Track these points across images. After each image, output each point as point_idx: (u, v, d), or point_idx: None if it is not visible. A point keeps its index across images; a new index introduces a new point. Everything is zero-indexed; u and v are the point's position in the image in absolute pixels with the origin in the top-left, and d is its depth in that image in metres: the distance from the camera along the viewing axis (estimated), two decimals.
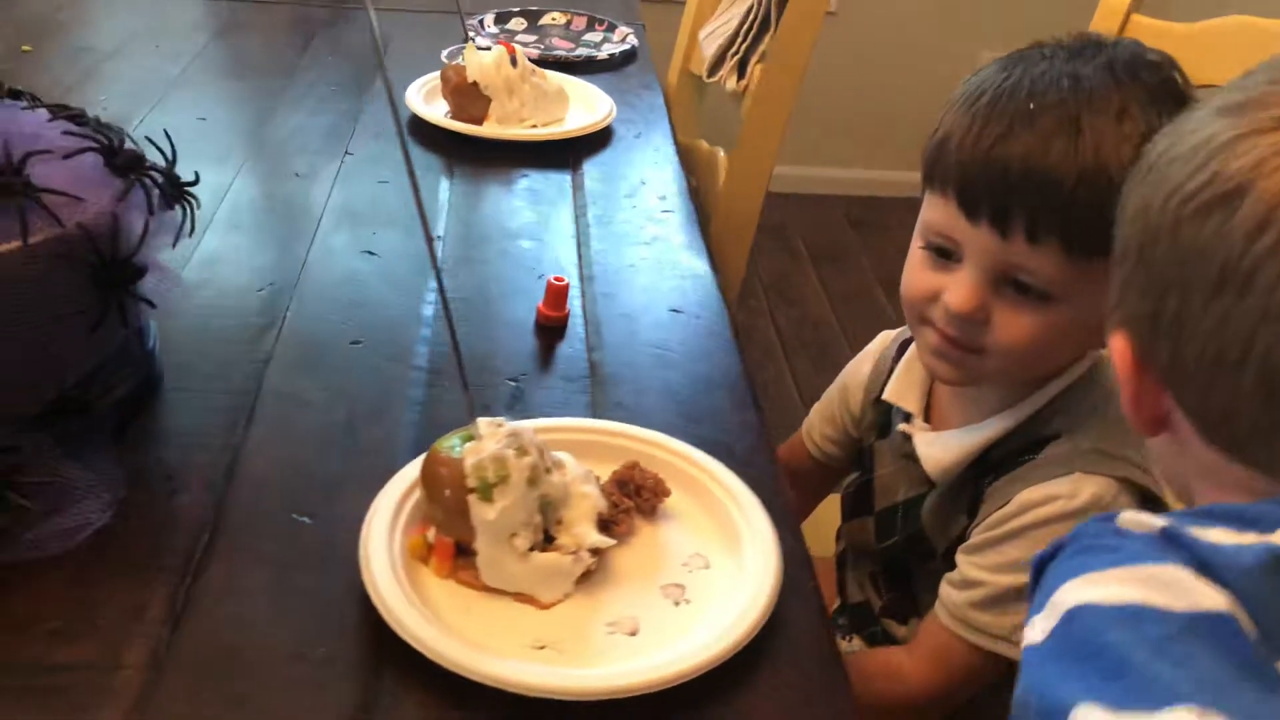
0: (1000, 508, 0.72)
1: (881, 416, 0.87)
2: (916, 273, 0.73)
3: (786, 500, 0.73)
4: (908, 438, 0.80)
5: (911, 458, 0.80)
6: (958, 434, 0.76)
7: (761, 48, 1.28)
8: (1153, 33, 1.01)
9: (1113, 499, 0.69)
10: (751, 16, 1.26)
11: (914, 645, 0.78)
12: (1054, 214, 0.64)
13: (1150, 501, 0.70)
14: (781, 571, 0.64)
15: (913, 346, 0.82)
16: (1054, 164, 0.64)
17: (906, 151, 3.20)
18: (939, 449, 0.77)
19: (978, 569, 0.73)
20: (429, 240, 0.63)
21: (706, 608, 0.64)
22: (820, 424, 0.96)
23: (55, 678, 0.56)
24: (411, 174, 0.63)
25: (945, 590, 0.75)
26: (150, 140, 0.74)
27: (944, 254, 0.71)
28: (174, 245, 0.73)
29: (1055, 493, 0.69)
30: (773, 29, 1.23)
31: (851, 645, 0.90)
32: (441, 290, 0.63)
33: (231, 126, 1.23)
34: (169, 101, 1.26)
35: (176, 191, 0.73)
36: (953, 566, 0.76)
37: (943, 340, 0.72)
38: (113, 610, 0.60)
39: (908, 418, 0.82)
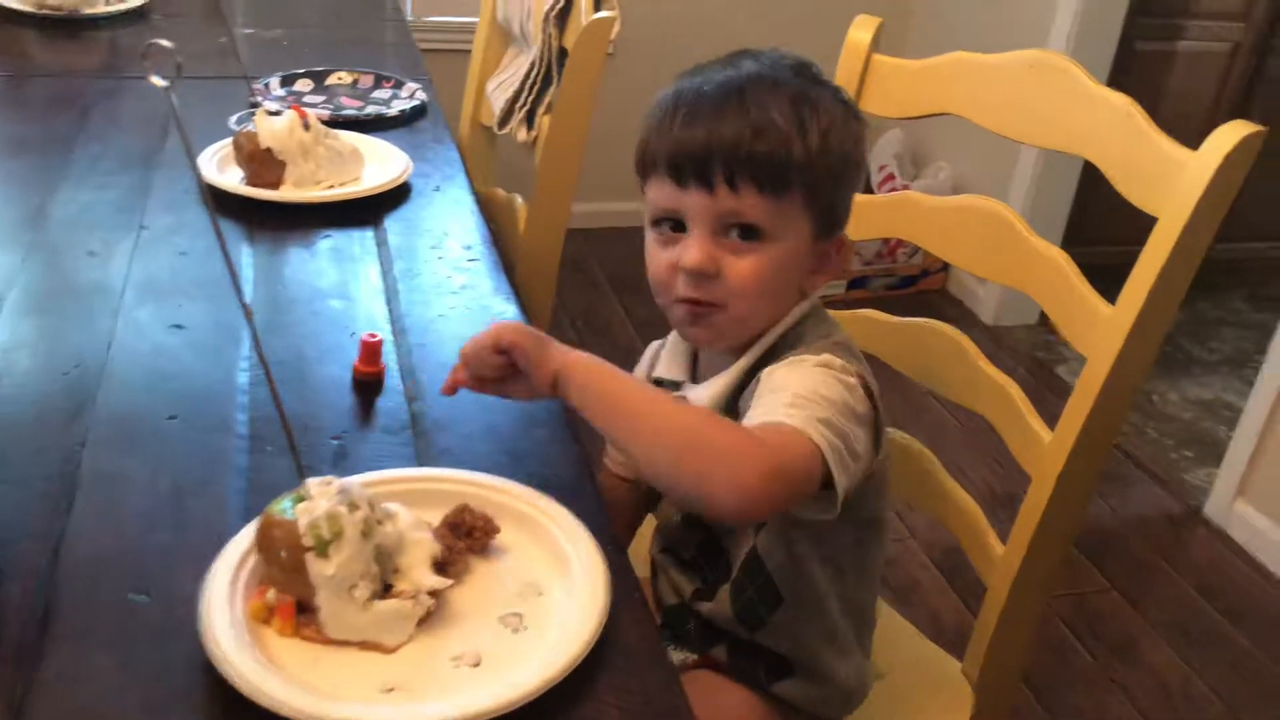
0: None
1: None
2: (655, 256, 0.84)
3: (611, 522, 0.79)
4: (683, 398, 0.89)
5: None
6: (719, 375, 0.87)
7: (548, 99, 1.34)
8: (891, 69, 1.14)
9: (840, 366, 0.78)
10: (535, 71, 1.32)
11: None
12: (741, 163, 0.79)
13: (873, 400, 0.80)
14: (609, 588, 0.70)
15: (673, 333, 0.94)
16: (730, 125, 0.79)
17: None
18: (705, 389, 0.87)
19: (758, 410, 0.76)
20: (244, 306, 0.65)
21: (544, 632, 0.69)
22: None
23: None
24: (224, 247, 0.65)
25: (751, 419, 0.76)
26: None
27: (674, 228, 0.83)
28: None
29: (789, 359, 0.80)
30: (556, 82, 1.30)
31: (683, 654, 0.96)
32: (261, 356, 0.66)
33: (13, 206, 1.19)
34: None
35: None
36: None
37: (690, 307, 0.83)
38: None
39: (678, 388, 0.92)
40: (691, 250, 0.81)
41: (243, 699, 0.61)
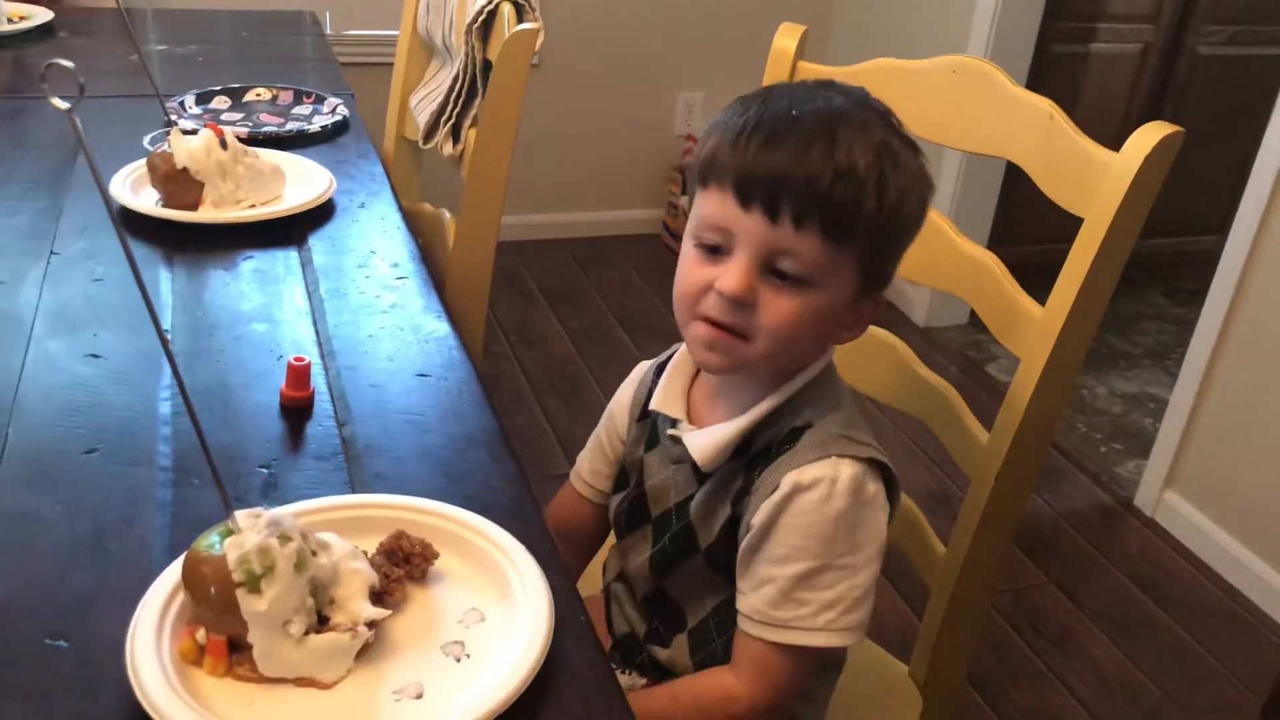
0: (772, 492, 0.79)
1: (649, 430, 0.93)
2: (690, 269, 0.80)
3: (553, 544, 0.78)
4: (677, 440, 0.87)
5: (680, 460, 0.87)
6: (721, 425, 0.83)
7: (473, 112, 1.32)
8: (815, 75, 1.14)
9: (864, 478, 0.80)
10: (459, 84, 1.30)
11: (735, 664, 0.83)
12: (814, 203, 0.74)
13: (887, 474, 0.82)
14: (553, 612, 0.68)
15: (672, 363, 0.90)
16: (814, 162, 0.74)
17: (618, 191, 3.35)
18: (706, 439, 0.83)
19: (765, 564, 0.80)
20: (161, 335, 0.63)
21: (487, 659, 0.67)
22: (591, 461, 1.00)
23: None
24: (135, 270, 0.62)
25: (743, 601, 0.82)
26: None
27: (715, 250, 0.78)
28: None
29: (820, 476, 0.78)
30: (480, 94, 1.28)
31: (631, 679, 0.95)
32: (180, 385, 0.63)
33: None
34: None
35: None
36: (712, 563, 0.84)
37: (713, 330, 0.79)
38: None
39: (673, 425, 0.88)
40: (732, 275, 0.76)
41: None
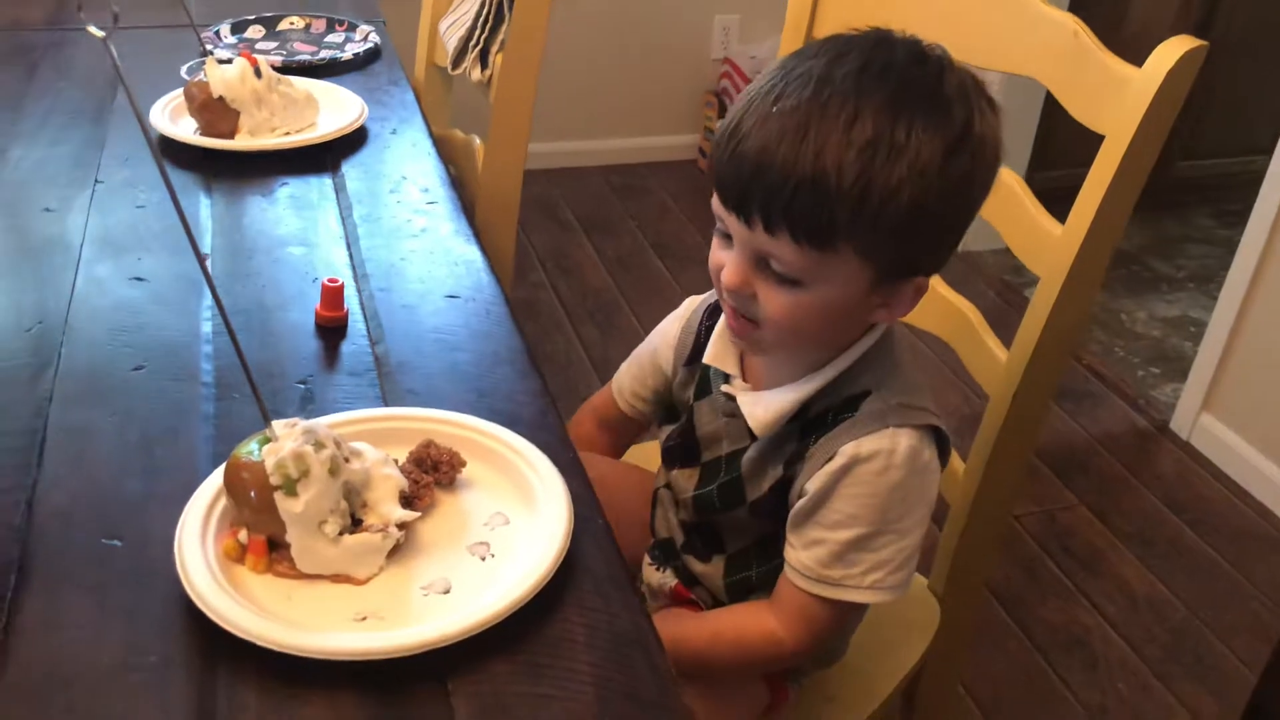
0: (828, 460, 0.80)
1: (700, 377, 0.93)
2: (713, 254, 0.80)
3: (573, 454, 0.81)
4: (730, 397, 0.86)
5: (733, 415, 0.87)
6: (777, 393, 0.83)
7: (500, 37, 1.33)
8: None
9: (921, 447, 0.80)
10: (486, 9, 1.31)
11: (780, 610, 0.84)
12: (780, 212, 0.71)
13: (942, 439, 0.83)
14: (573, 516, 0.72)
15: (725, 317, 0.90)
16: (778, 166, 0.70)
17: (653, 117, 3.31)
18: (761, 407, 0.83)
19: (819, 528, 0.81)
20: (200, 258, 0.66)
21: (511, 558, 0.71)
22: (630, 384, 1.01)
23: None
24: (174, 196, 0.65)
25: (794, 555, 0.83)
26: None
27: (728, 237, 0.78)
28: None
29: (878, 448, 0.78)
30: (507, 19, 1.29)
31: (664, 575, 0.98)
32: (219, 303, 0.67)
33: None
34: None
35: None
36: (757, 514, 0.86)
37: (731, 312, 0.80)
38: None
39: (727, 379, 0.88)
40: (728, 270, 0.77)
41: (220, 633, 0.62)
